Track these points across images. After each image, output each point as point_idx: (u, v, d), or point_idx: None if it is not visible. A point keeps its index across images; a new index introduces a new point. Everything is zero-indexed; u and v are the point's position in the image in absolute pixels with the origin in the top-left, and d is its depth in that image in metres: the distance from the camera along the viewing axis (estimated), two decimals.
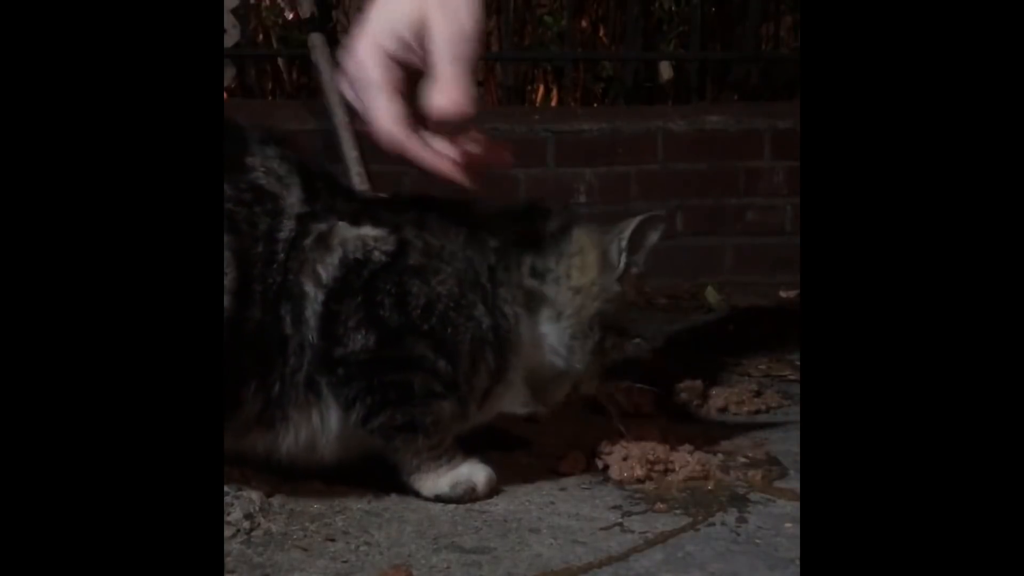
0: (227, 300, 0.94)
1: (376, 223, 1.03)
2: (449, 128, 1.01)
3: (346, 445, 1.03)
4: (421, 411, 1.01)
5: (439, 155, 1.02)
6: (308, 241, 1.00)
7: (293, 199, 1.00)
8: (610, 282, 1.11)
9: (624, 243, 1.12)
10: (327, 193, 1.04)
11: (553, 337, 1.09)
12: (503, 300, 1.06)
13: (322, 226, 1.01)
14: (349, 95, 1.05)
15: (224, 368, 0.93)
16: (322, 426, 1.01)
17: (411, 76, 1.02)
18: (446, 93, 0.99)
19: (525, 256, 1.09)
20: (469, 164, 1.03)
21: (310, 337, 0.98)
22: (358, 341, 0.99)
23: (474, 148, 1.03)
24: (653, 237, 1.14)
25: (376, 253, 1.01)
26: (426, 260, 1.02)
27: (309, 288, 0.99)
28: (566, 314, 1.09)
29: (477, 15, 1.01)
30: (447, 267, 1.03)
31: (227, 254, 0.95)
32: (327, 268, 0.99)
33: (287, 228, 0.99)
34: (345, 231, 1.01)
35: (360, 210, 1.04)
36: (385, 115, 1.01)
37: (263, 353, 0.98)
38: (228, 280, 0.95)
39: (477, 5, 1.01)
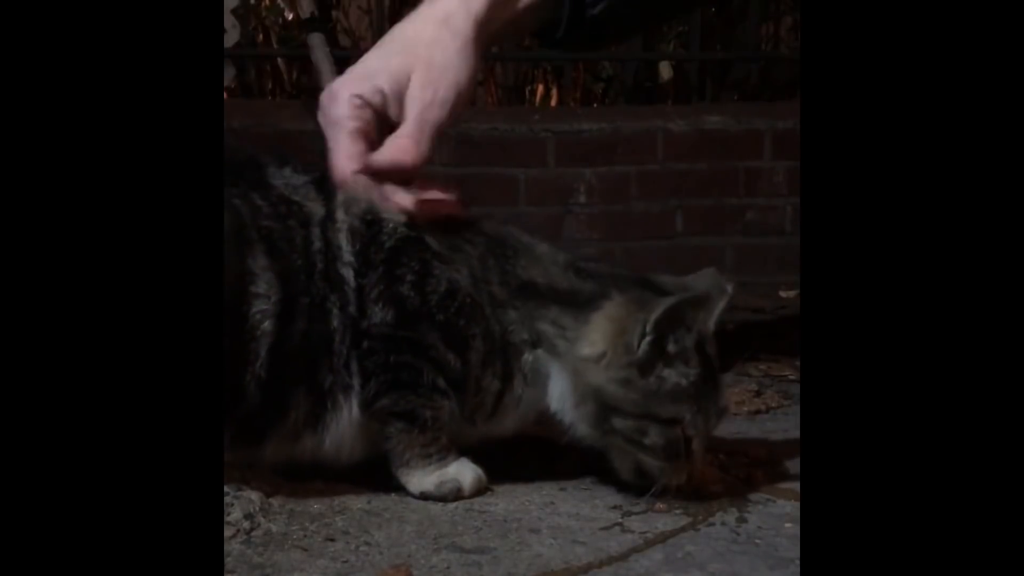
0: (270, 322, 0.96)
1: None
2: (394, 177, 1.05)
3: (364, 433, 1.03)
4: (423, 403, 1.02)
5: (385, 197, 1.04)
6: (330, 234, 1.02)
7: (315, 206, 1.02)
8: (623, 365, 1.01)
9: (649, 326, 0.99)
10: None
11: (556, 384, 1.06)
12: (512, 322, 1.05)
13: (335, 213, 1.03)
14: (322, 126, 1.09)
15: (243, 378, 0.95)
16: (349, 414, 1.01)
17: (383, 126, 1.07)
18: (398, 144, 1.05)
19: (552, 306, 1.05)
20: (417, 208, 1.04)
21: (352, 312, 1.00)
22: (378, 314, 1.00)
23: (422, 195, 1.05)
24: (701, 319, 1.01)
25: (388, 223, 1.02)
26: (447, 251, 1.04)
27: (345, 272, 1.00)
28: (569, 371, 1.04)
29: (461, 85, 1.08)
30: (463, 264, 1.04)
31: (269, 275, 0.97)
32: (344, 243, 1.01)
33: (317, 237, 1.01)
34: (346, 202, 1.03)
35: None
36: (341, 152, 1.05)
37: (309, 359, 0.99)
38: (272, 303, 0.96)
39: (463, 76, 1.08)
